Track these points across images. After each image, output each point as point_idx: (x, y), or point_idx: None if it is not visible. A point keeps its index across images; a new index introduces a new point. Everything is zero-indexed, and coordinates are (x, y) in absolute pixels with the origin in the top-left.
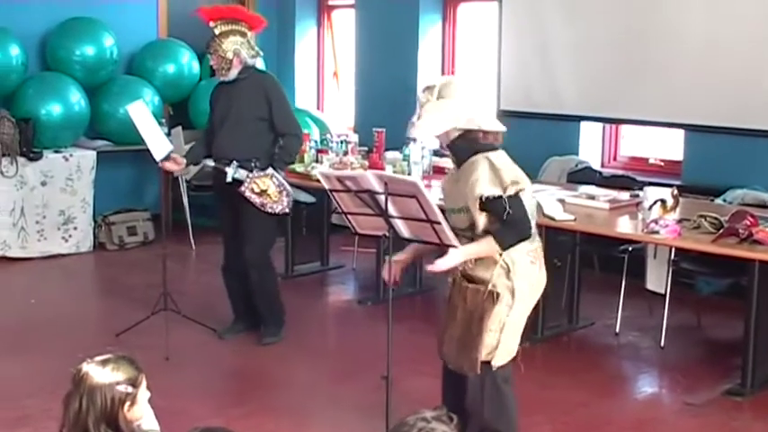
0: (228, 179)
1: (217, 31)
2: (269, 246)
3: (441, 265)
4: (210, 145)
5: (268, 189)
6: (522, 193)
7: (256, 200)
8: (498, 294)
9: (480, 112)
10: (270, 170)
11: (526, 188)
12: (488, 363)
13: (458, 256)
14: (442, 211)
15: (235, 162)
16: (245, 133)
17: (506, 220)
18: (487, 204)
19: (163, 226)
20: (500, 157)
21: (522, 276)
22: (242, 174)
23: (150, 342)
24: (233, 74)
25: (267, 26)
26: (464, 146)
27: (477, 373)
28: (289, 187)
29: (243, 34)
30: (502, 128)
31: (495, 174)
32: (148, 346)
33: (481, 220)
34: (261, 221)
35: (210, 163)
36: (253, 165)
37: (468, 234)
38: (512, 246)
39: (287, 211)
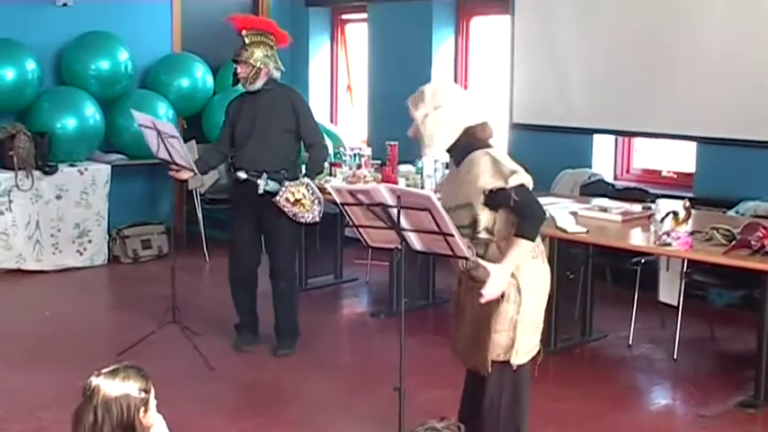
0: (260, 191)
1: (247, 41)
2: (296, 257)
3: (491, 292)
4: (220, 156)
5: (303, 198)
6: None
7: (290, 209)
8: (503, 293)
9: (470, 109)
10: (305, 179)
11: (526, 181)
12: (508, 362)
13: (502, 275)
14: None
15: (265, 174)
16: (274, 145)
17: (518, 210)
18: (492, 198)
19: (172, 239)
20: (499, 152)
21: (525, 273)
22: (273, 185)
23: (162, 354)
24: (259, 84)
25: (288, 41)
26: (463, 143)
27: (488, 372)
28: (321, 196)
29: (271, 47)
30: (488, 118)
31: (496, 166)
32: (160, 357)
33: (483, 216)
34: (290, 232)
35: (243, 175)
36: (282, 175)
37: (467, 231)
38: (537, 232)
39: (317, 220)
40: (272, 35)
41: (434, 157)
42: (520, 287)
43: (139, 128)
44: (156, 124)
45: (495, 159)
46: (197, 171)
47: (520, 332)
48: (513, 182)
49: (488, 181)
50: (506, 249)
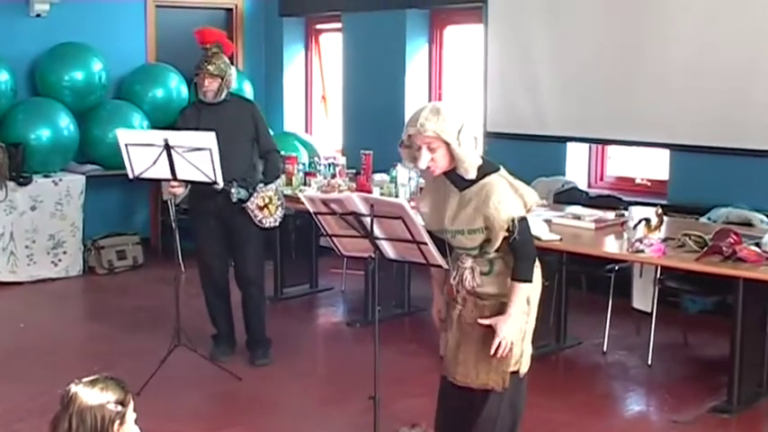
0: (234, 199)
1: (210, 53)
2: (263, 263)
3: (508, 334)
4: None
5: (270, 203)
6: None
7: (257, 214)
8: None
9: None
10: (273, 184)
11: (534, 202)
12: (516, 372)
13: (513, 320)
14: (429, 232)
15: (235, 182)
16: (240, 153)
17: (518, 247)
18: (514, 225)
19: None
20: (509, 176)
21: (532, 285)
22: (243, 192)
23: (142, 366)
24: (223, 95)
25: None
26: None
27: (505, 388)
28: (284, 202)
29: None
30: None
31: (516, 193)
32: (141, 369)
33: (501, 239)
34: (259, 239)
35: (220, 184)
36: (248, 182)
37: (473, 253)
38: (532, 273)
39: (277, 224)
40: (222, 46)
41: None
42: (529, 299)
43: (126, 147)
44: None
45: (513, 185)
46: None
47: (526, 341)
48: (529, 211)
49: (513, 209)
50: (507, 275)
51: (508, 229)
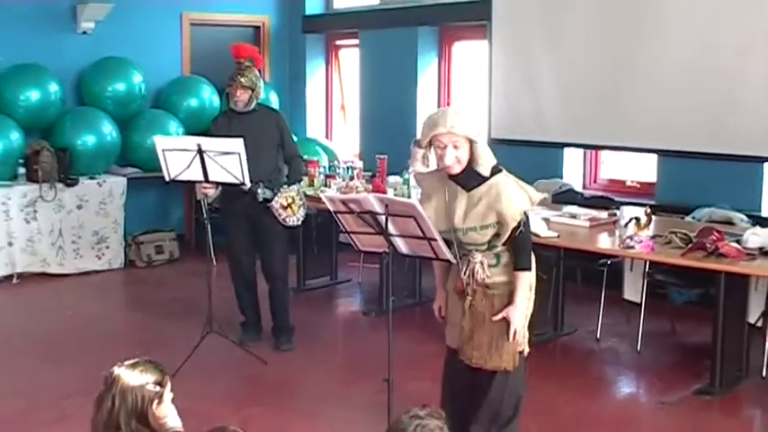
0: (260, 199)
1: (243, 67)
2: (288, 257)
3: (519, 321)
4: None
5: (293, 203)
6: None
7: (281, 213)
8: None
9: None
10: (295, 186)
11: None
12: (521, 352)
13: (521, 308)
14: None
15: (261, 183)
16: (266, 158)
17: (521, 241)
18: (523, 222)
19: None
20: (511, 175)
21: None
22: (269, 193)
23: (177, 351)
24: (252, 105)
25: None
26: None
27: (516, 366)
28: (306, 202)
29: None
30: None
31: (523, 190)
32: (176, 354)
33: (509, 232)
34: (283, 237)
35: (248, 185)
36: (273, 183)
37: (482, 248)
38: (531, 263)
39: (299, 223)
40: (254, 60)
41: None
42: (531, 285)
43: (163, 153)
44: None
45: (518, 183)
46: (248, 182)
47: (527, 323)
48: (533, 206)
49: (523, 203)
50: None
51: (519, 223)
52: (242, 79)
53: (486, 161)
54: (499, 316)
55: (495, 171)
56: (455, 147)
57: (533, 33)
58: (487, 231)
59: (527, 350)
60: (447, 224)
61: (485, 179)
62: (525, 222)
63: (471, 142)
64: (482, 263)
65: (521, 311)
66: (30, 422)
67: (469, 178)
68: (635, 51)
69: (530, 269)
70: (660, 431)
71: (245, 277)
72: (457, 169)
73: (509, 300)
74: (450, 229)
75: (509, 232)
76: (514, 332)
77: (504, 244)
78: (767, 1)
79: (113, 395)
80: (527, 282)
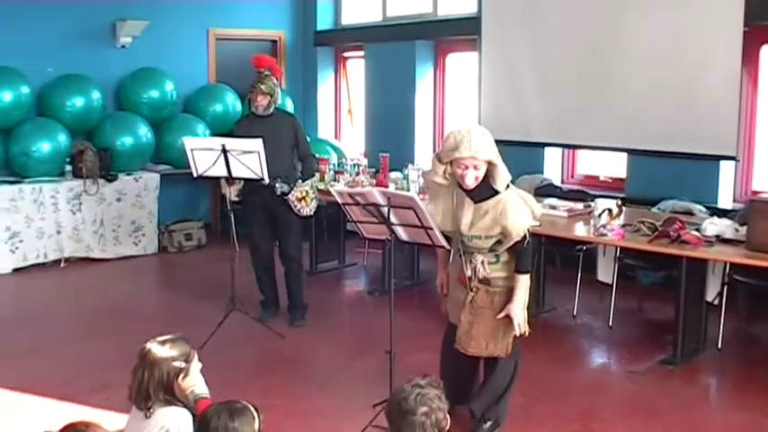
0: (278, 192)
1: (263, 76)
2: (301, 244)
3: (520, 316)
4: None
5: (306, 196)
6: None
7: (297, 204)
8: (511, 289)
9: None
10: (309, 181)
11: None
12: (515, 338)
13: (520, 304)
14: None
15: (278, 178)
16: (282, 156)
17: (523, 248)
18: (526, 233)
19: (233, 237)
20: (517, 189)
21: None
22: (285, 187)
23: (204, 326)
24: (270, 110)
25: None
26: (488, 184)
27: (508, 354)
28: (317, 195)
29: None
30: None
31: (525, 204)
32: (203, 329)
33: (511, 243)
34: (298, 225)
35: (267, 180)
36: (289, 178)
37: (483, 251)
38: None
39: (312, 213)
40: (273, 70)
41: (417, 167)
42: (527, 283)
43: (191, 152)
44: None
45: (522, 197)
46: (267, 178)
47: (525, 308)
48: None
49: (527, 219)
50: (510, 264)
51: (523, 237)
52: (262, 86)
53: (503, 180)
54: (502, 314)
55: (503, 187)
56: (475, 168)
57: (517, 48)
58: (491, 240)
59: (527, 332)
60: (453, 227)
61: (495, 193)
62: (528, 233)
63: (491, 164)
64: (483, 262)
65: (520, 307)
66: (76, 389)
67: (480, 192)
68: (606, 65)
69: (529, 272)
70: (628, 397)
71: (264, 261)
72: (473, 185)
73: (507, 297)
74: (456, 231)
75: (511, 243)
76: (518, 325)
77: (504, 248)
78: (718, 20)
79: (144, 368)
80: (526, 282)
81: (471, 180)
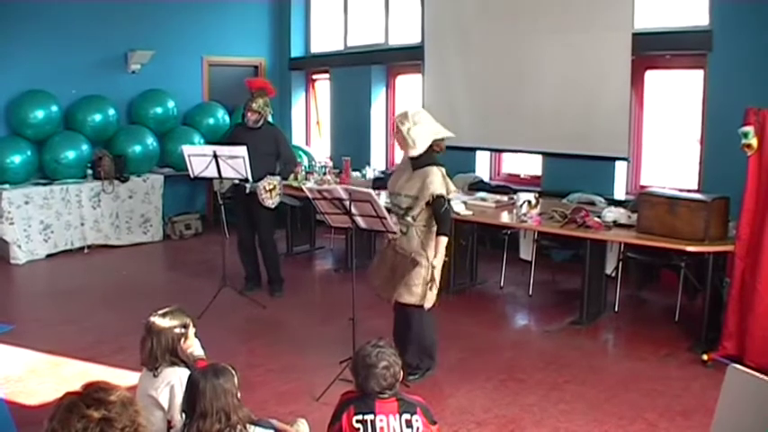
0: (247, 191)
1: (255, 95)
2: (273, 231)
3: (438, 263)
4: None
5: (274, 189)
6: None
7: (263, 194)
8: (416, 261)
9: (436, 128)
10: (278, 177)
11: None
12: (421, 306)
13: (440, 257)
14: (388, 209)
15: (250, 180)
16: (263, 162)
17: (442, 214)
18: (435, 199)
19: (223, 226)
20: (445, 172)
21: (430, 248)
22: (252, 187)
23: (201, 299)
24: (259, 124)
25: (275, 93)
26: (427, 152)
27: (427, 305)
28: (282, 191)
29: (266, 98)
30: (450, 134)
31: (444, 181)
32: (200, 302)
33: (419, 206)
34: (270, 218)
35: (236, 182)
36: (262, 177)
37: (401, 212)
38: (449, 231)
39: (274, 207)
40: (267, 90)
41: (373, 169)
42: (428, 257)
43: (189, 157)
44: (226, 152)
45: (444, 176)
46: (250, 178)
47: (429, 287)
48: (450, 196)
49: (438, 188)
50: (427, 239)
51: (428, 202)
52: (253, 105)
53: (410, 146)
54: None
55: (436, 163)
56: (395, 133)
57: (453, 71)
58: (407, 199)
59: (427, 306)
60: (392, 187)
61: (426, 163)
62: (440, 203)
63: (401, 131)
64: (396, 223)
65: (439, 260)
66: (99, 352)
67: (419, 162)
68: (525, 84)
69: (447, 235)
70: (545, 351)
71: (246, 245)
72: (402, 148)
73: (411, 263)
74: (392, 191)
75: (419, 207)
76: (432, 268)
77: (414, 219)
78: (613, 50)
79: (152, 338)
80: (443, 242)
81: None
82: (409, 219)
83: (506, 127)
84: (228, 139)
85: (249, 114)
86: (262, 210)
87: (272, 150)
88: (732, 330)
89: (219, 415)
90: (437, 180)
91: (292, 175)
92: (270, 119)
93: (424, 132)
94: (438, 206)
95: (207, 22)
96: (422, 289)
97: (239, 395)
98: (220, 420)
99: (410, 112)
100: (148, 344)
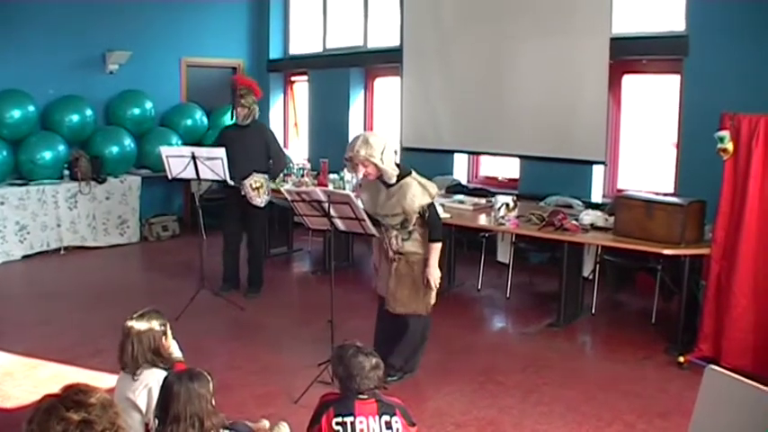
0: (242, 193)
1: (243, 92)
2: (264, 231)
3: (435, 277)
4: None
5: (261, 187)
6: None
7: (249, 192)
8: (427, 259)
9: (386, 140)
10: (264, 175)
11: (436, 193)
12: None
13: (434, 265)
14: (367, 214)
15: (245, 181)
16: (255, 158)
17: (431, 221)
18: (425, 210)
19: (201, 228)
20: (419, 176)
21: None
22: (241, 184)
23: (179, 301)
24: (248, 121)
25: (261, 95)
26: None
27: (428, 312)
28: (270, 191)
29: (254, 97)
30: (396, 142)
31: (423, 189)
32: (178, 303)
33: (415, 219)
34: (261, 218)
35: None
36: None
37: (397, 227)
38: (441, 236)
39: (263, 205)
40: (254, 90)
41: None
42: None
43: (166, 158)
44: (203, 153)
45: (420, 183)
46: (228, 179)
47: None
48: (434, 200)
49: (422, 200)
50: (423, 239)
51: (420, 214)
52: (242, 101)
53: (390, 174)
54: (424, 280)
55: (406, 173)
56: (363, 165)
57: (431, 74)
58: (397, 218)
59: (433, 303)
60: (373, 209)
61: (397, 181)
62: (430, 212)
63: (374, 164)
64: (396, 237)
65: (435, 269)
66: (76, 354)
67: (385, 179)
68: (503, 87)
69: (440, 240)
70: (523, 353)
71: (232, 246)
72: (371, 178)
73: (425, 265)
74: (375, 212)
75: (413, 220)
76: (432, 282)
77: (413, 225)
78: (590, 54)
79: (132, 341)
80: (437, 249)
81: (360, 175)
82: (408, 227)
83: (484, 130)
84: (218, 142)
85: (239, 110)
86: (254, 210)
87: (262, 148)
88: (708, 332)
89: (193, 420)
90: (417, 192)
91: (282, 173)
92: (257, 116)
93: (390, 153)
94: (426, 214)
95: (185, 23)
96: (427, 299)
97: (214, 401)
98: (194, 425)
99: (367, 140)
100: (129, 348)
